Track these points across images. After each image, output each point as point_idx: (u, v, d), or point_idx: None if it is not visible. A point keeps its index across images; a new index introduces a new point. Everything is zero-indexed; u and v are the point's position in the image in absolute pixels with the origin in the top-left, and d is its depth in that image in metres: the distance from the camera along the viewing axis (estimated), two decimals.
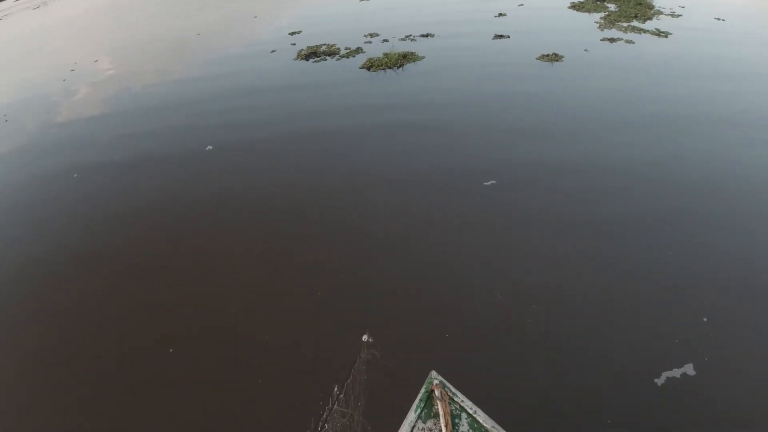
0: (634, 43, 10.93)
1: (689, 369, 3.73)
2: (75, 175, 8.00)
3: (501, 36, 11.84)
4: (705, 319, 4.13)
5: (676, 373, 3.72)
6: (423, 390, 2.98)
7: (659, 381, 3.68)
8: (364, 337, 4.34)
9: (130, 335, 4.85)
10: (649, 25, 12.01)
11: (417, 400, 2.94)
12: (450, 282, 4.89)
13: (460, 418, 2.87)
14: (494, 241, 5.31)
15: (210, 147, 8.15)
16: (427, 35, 12.68)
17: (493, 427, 2.81)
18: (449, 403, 2.89)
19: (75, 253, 6.19)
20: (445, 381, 2.99)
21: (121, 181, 7.75)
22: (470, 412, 2.87)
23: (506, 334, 4.22)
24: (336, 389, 3.89)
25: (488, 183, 6.18)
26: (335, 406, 3.75)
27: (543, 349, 4.05)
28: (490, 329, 4.29)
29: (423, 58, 10.90)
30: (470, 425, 2.84)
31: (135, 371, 4.46)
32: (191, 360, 4.46)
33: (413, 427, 2.84)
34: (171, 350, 4.57)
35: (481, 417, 2.84)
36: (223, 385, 4.15)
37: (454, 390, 2.95)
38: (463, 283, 4.86)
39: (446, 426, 2.75)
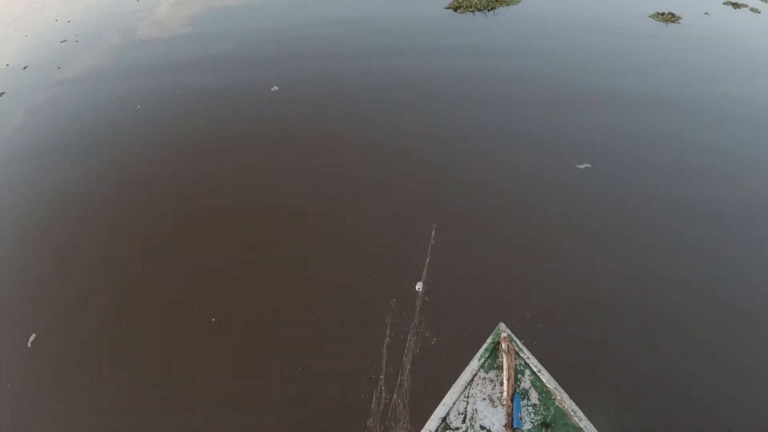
0: (759, 12, 9.89)
1: None
2: (138, 107, 8.13)
3: None
4: None
5: None
6: (489, 341, 3.07)
7: None
8: (418, 286, 4.54)
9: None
10: None
11: (482, 350, 3.05)
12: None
13: (523, 374, 2.96)
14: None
15: (276, 88, 8.04)
16: None
17: (556, 388, 2.88)
18: (514, 358, 3.00)
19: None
20: (512, 335, 3.07)
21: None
22: (534, 369, 2.95)
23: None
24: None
25: (582, 166, 5.79)
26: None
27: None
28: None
29: (519, 1, 10.38)
30: (532, 383, 2.93)
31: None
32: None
33: (475, 375, 2.98)
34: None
35: (545, 377, 2.92)
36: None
37: (520, 345, 3.03)
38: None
39: (509, 380, 2.86)
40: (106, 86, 9.02)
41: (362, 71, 8.14)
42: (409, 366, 3.89)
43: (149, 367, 4.27)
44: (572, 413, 2.78)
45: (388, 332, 4.15)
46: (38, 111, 8.64)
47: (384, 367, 3.91)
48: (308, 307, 4.49)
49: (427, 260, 4.72)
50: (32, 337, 4.66)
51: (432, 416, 2.81)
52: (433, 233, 4.98)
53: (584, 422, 2.75)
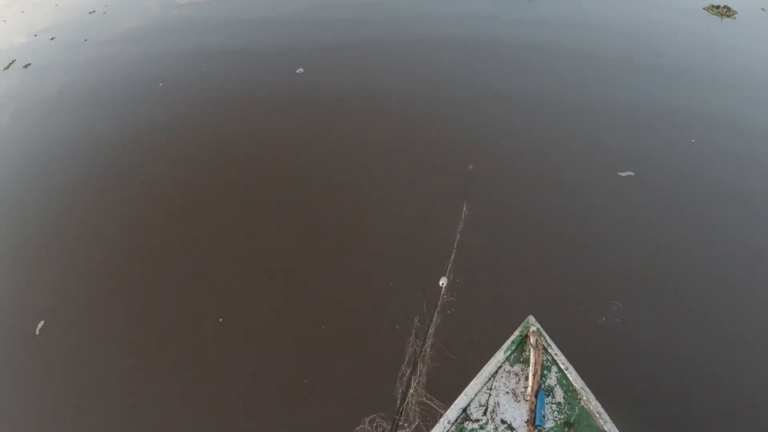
0: None
1: None
2: (160, 84, 8.19)
3: None
4: None
5: None
6: (517, 333, 3.05)
7: None
8: (442, 281, 4.52)
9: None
10: None
11: (509, 342, 3.04)
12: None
13: (549, 371, 2.94)
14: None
15: (301, 69, 7.96)
16: None
17: (582, 388, 2.85)
18: (542, 353, 2.99)
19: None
20: (542, 329, 3.05)
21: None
22: (562, 367, 2.92)
23: None
24: None
25: (624, 174, 5.60)
26: None
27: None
28: None
29: None
30: (558, 380, 2.91)
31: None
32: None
33: (499, 367, 2.98)
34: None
35: (572, 375, 2.89)
36: None
37: (549, 341, 3.00)
38: None
39: (534, 375, 2.84)
40: (131, 59, 9.10)
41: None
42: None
43: (158, 358, 4.32)
44: (597, 415, 2.76)
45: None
46: (59, 85, 8.77)
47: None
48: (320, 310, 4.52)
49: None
50: (40, 324, 4.72)
51: (452, 405, 2.82)
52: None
53: (609, 425, 2.73)
